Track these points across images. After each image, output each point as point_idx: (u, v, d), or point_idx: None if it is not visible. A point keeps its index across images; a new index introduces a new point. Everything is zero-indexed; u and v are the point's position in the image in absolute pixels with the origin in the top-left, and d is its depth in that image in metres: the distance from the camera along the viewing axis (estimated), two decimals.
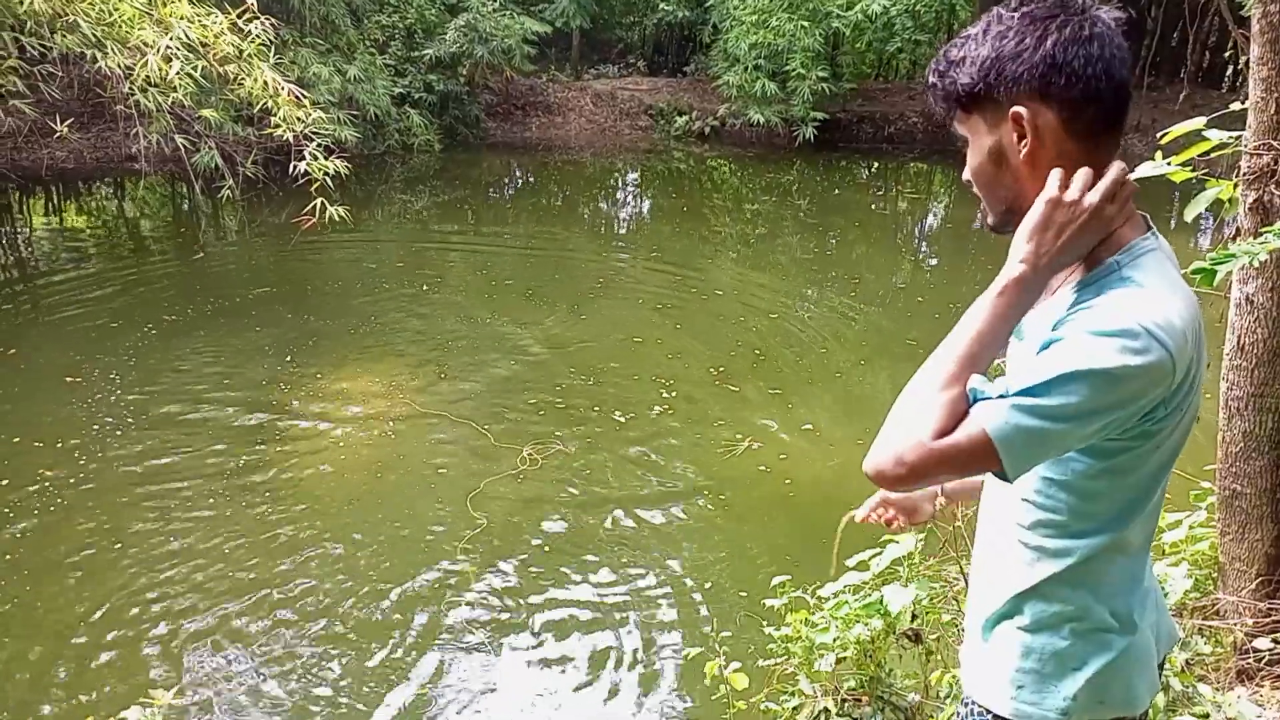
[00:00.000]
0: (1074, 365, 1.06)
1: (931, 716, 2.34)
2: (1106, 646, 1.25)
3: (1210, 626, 2.72)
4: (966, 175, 1.29)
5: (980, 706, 1.34)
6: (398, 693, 3.53)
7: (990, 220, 1.30)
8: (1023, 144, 1.18)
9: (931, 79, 1.27)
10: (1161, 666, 1.39)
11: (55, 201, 11.36)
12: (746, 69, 15.62)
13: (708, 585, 4.22)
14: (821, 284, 8.99)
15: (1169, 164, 2.22)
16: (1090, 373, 1.05)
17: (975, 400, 1.11)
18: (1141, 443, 1.15)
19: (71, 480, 4.81)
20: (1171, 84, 17.28)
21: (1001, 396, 1.09)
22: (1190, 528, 2.94)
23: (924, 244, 11.74)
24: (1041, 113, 1.15)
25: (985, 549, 1.37)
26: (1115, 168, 1.17)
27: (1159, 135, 2.28)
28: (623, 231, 11.62)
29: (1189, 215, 2.25)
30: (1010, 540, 1.29)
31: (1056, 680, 1.26)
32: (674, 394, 6.17)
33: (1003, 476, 1.11)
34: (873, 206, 13.55)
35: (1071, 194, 1.15)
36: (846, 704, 2.42)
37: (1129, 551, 1.25)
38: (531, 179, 14.54)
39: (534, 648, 3.80)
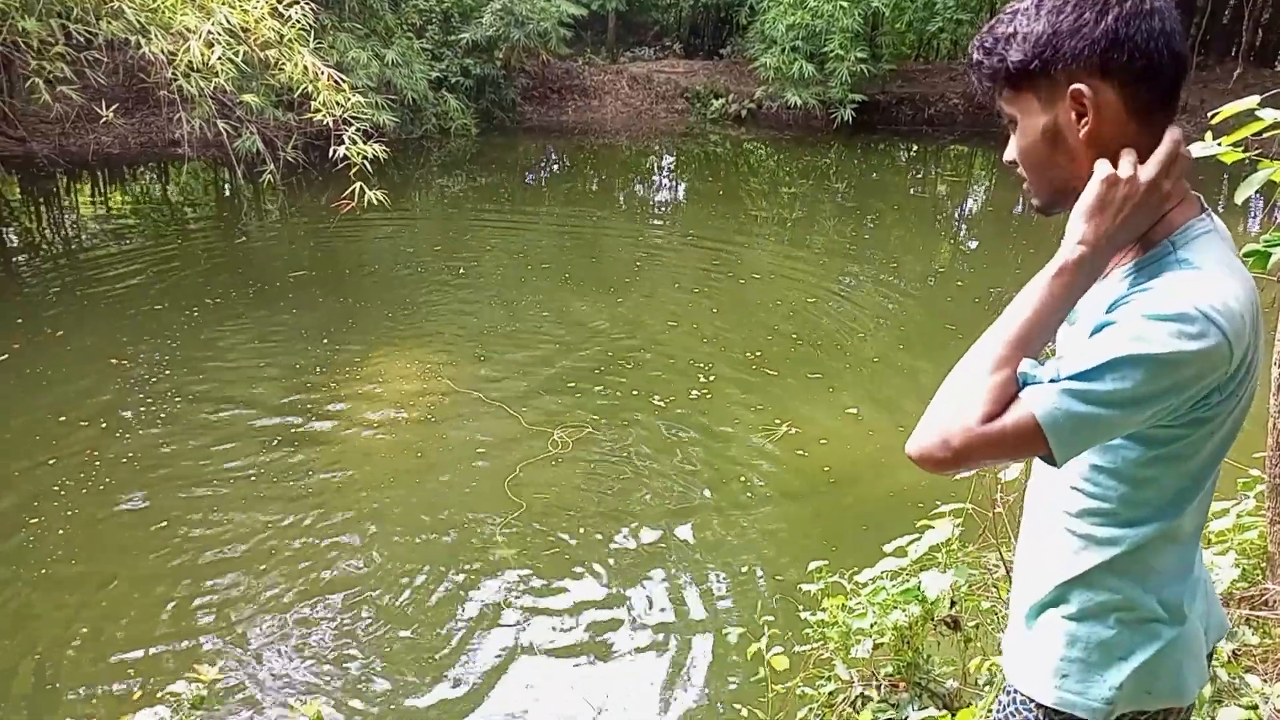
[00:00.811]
0: (1127, 350, 1.03)
1: (970, 704, 2.32)
2: (1154, 636, 1.23)
3: (1259, 617, 2.66)
4: (1010, 156, 1.25)
5: (1023, 695, 1.32)
6: (435, 672, 3.58)
7: (1037, 202, 1.25)
8: (1083, 123, 1.14)
9: (976, 56, 1.22)
10: (1210, 657, 1.36)
11: (101, 186, 11.57)
12: (784, 50, 15.45)
13: (743, 570, 4.22)
14: (859, 268, 8.90)
15: (1219, 145, 2.16)
16: (1144, 358, 1.03)
17: (1025, 384, 1.09)
18: (1194, 429, 1.13)
19: (115, 459, 4.92)
20: (1222, 63, 16.84)
21: (1052, 381, 1.07)
22: (1238, 516, 2.88)
23: (964, 228, 11.58)
24: (1102, 90, 1.12)
25: (1031, 536, 1.35)
26: (1169, 138, 1.13)
27: (1209, 115, 2.21)
28: (659, 215, 11.59)
29: (1239, 198, 2.18)
30: (1057, 527, 1.27)
31: (1102, 670, 1.24)
32: (711, 378, 6.15)
33: (1050, 461, 1.09)
34: (911, 190, 13.37)
35: (1126, 170, 1.12)
36: (883, 690, 2.41)
37: (1179, 540, 1.23)
38: (567, 163, 14.54)
39: (570, 629, 3.82)
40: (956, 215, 12.13)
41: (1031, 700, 1.30)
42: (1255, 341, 1.12)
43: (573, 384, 6.03)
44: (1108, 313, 1.10)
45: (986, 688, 2.37)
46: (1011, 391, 1.09)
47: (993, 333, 1.13)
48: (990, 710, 2.06)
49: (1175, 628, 1.24)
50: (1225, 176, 9.31)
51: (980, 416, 1.08)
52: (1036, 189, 1.24)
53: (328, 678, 3.52)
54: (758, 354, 6.57)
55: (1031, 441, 1.07)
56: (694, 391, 5.94)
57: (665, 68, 18.31)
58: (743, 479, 4.96)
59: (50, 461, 4.86)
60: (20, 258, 8.71)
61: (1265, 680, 2.38)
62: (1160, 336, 1.03)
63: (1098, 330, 1.08)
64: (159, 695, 1.97)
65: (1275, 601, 2.67)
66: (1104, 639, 1.24)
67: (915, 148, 16.15)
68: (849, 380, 6.21)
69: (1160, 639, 1.23)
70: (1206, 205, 1.19)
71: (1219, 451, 1.18)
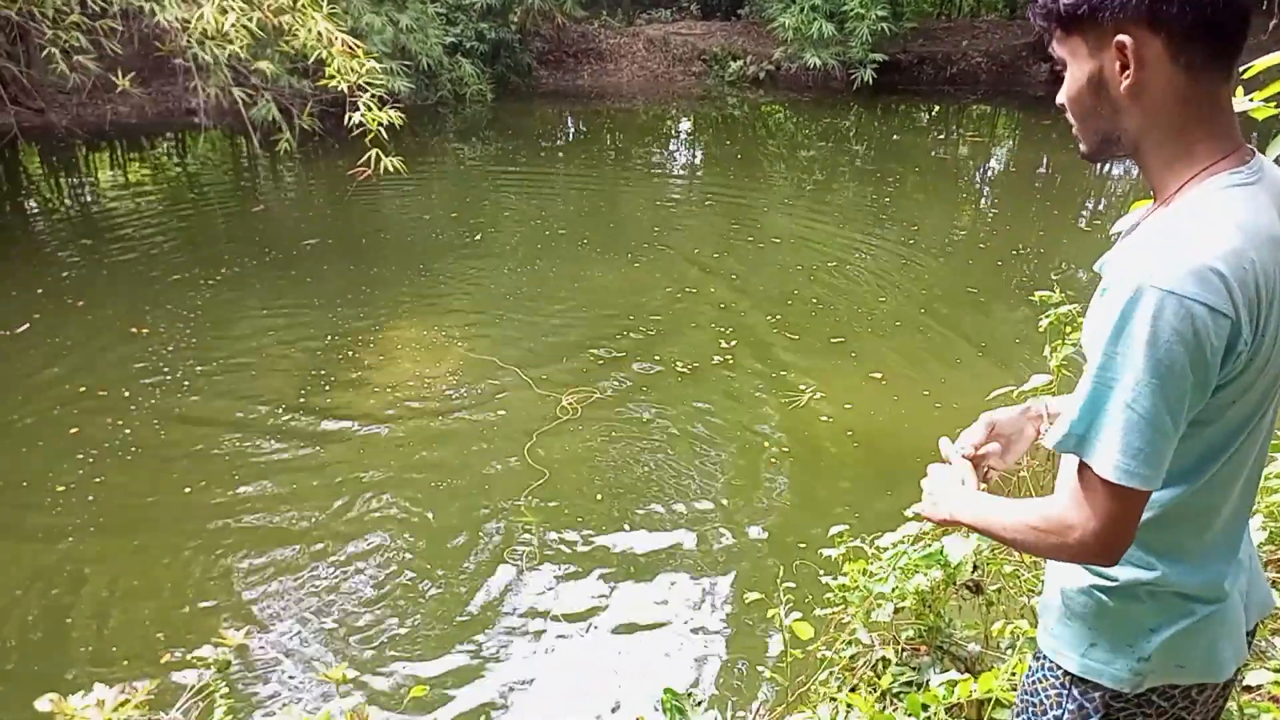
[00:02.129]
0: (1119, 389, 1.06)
1: (992, 667, 2.31)
2: (1187, 612, 1.21)
3: None
4: (1061, 99, 1.22)
5: (1051, 662, 1.31)
6: (460, 639, 3.61)
7: (1084, 148, 1.23)
8: (1125, 75, 1.10)
9: None
10: (1252, 634, 1.33)
11: (119, 156, 11.59)
12: (802, 10, 15.20)
13: (765, 535, 4.22)
14: (880, 231, 8.80)
15: (1251, 100, 2.10)
16: (1140, 383, 1.04)
17: (1064, 446, 1.12)
18: (1213, 396, 1.09)
19: (138, 428, 4.96)
20: (1256, 16, 16.40)
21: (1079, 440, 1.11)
22: (1266, 478, 2.84)
23: (986, 189, 11.41)
24: (1149, 42, 1.07)
25: None
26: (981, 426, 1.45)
27: (1241, 70, 2.15)
28: (676, 180, 11.49)
29: (1270, 155, 2.12)
30: None
31: (1130, 641, 1.22)
32: (734, 342, 6.12)
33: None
34: (933, 151, 13.17)
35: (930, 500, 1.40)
36: (905, 653, 2.41)
37: (1219, 515, 1.19)
38: (584, 127, 14.42)
39: (591, 595, 3.84)
40: (978, 177, 11.95)
41: (1059, 668, 1.30)
42: (1266, 306, 1.06)
43: (594, 350, 6.01)
44: (1101, 293, 1.10)
45: (1009, 651, 2.35)
46: (1037, 515, 1.17)
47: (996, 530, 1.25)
48: (1013, 674, 2.05)
49: (1212, 604, 1.21)
50: (1255, 134, 9.09)
51: (1066, 535, 1.14)
52: (1082, 136, 1.21)
53: (352, 642, 3.56)
54: (779, 318, 6.52)
55: (1128, 496, 1.09)
56: (716, 356, 5.92)
57: (682, 29, 18.07)
58: (765, 443, 4.95)
59: (73, 431, 4.92)
60: (40, 227, 8.76)
61: None
62: (1143, 352, 1.03)
63: (1100, 295, 1.10)
64: (187, 659, 1.99)
65: None
66: (1135, 611, 1.22)
67: (937, 108, 15.89)
68: (871, 344, 6.16)
69: (1194, 614, 1.21)
70: (1258, 157, 1.13)
71: (1250, 417, 1.14)
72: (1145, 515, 1.16)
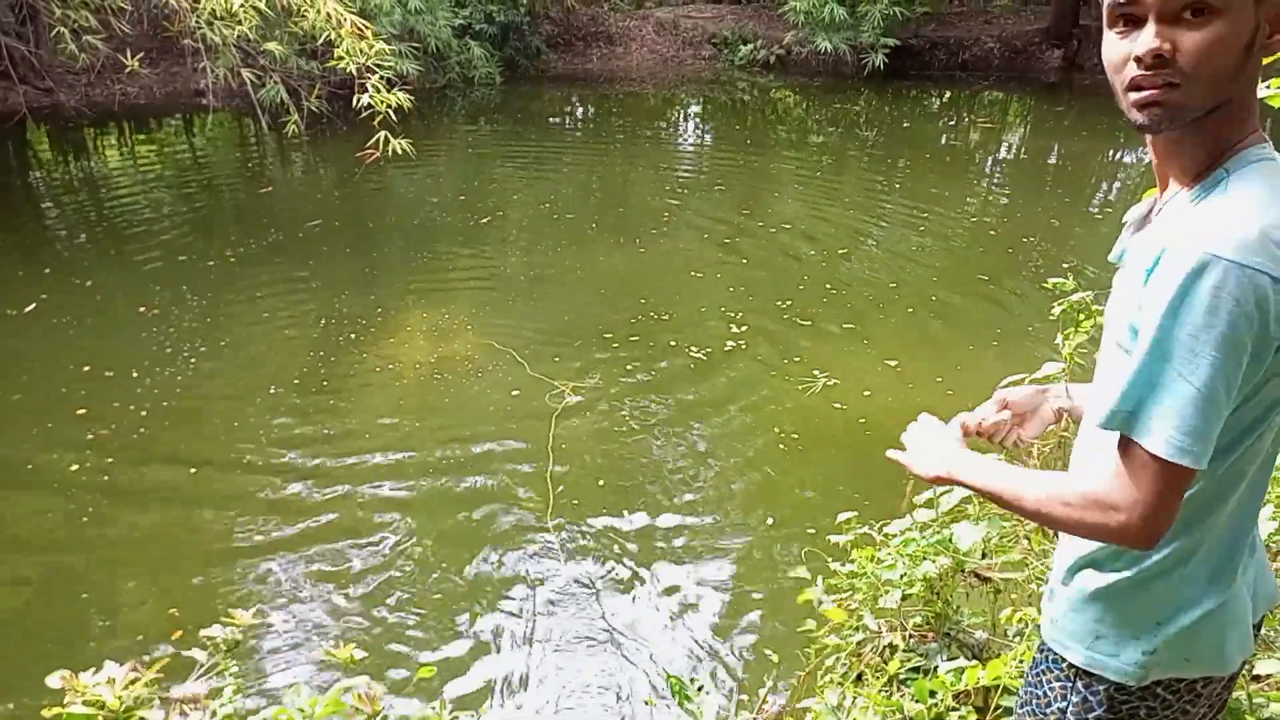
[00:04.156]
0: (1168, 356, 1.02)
1: (999, 654, 2.31)
2: (1194, 603, 1.19)
3: None
4: (1165, 46, 1.04)
5: (1056, 654, 1.30)
6: (469, 619, 3.62)
7: (1162, 111, 1.07)
8: (1274, 40, 1.06)
9: None
10: (1259, 627, 1.32)
11: (127, 137, 11.59)
12: None
13: (773, 521, 4.22)
14: (891, 217, 8.75)
15: (1266, 87, 2.08)
16: (1186, 347, 1.01)
17: (1111, 424, 1.08)
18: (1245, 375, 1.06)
19: (146, 409, 4.98)
20: None
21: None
22: (1276, 467, 2.82)
23: (997, 176, 11.33)
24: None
25: None
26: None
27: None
28: (685, 164, 11.44)
29: None
30: None
31: (1137, 634, 1.21)
32: (745, 328, 6.10)
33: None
34: (944, 138, 13.09)
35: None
36: (912, 640, 2.41)
37: (1227, 505, 1.18)
38: (592, 111, 14.36)
39: (599, 578, 3.85)
40: (990, 163, 11.87)
41: (1064, 659, 1.29)
42: None
43: (605, 335, 6.00)
44: (1148, 273, 1.06)
45: (1016, 639, 2.35)
46: (1068, 491, 1.12)
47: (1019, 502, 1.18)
48: (1020, 661, 2.05)
49: (1219, 596, 1.20)
50: (1269, 121, 9.01)
51: (1113, 509, 1.08)
52: (1187, 97, 1.05)
53: (360, 623, 3.58)
54: (790, 304, 6.50)
55: (1174, 472, 1.05)
56: (729, 342, 5.90)
57: (692, 12, 17.95)
58: (777, 430, 4.94)
59: (80, 411, 4.93)
60: (48, 207, 8.77)
61: None
62: (1197, 313, 1.00)
63: (1149, 274, 1.05)
64: (197, 638, 2.00)
65: None
66: (1142, 602, 1.21)
67: (948, 94, 15.77)
68: (884, 331, 6.14)
69: (1200, 606, 1.19)
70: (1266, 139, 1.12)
71: (1276, 403, 1.11)
72: None
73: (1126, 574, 1.21)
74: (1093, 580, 1.25)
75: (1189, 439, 1.02)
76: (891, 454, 1.42)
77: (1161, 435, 1.03)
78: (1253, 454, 1.15)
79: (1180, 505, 1.07)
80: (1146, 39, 1.04)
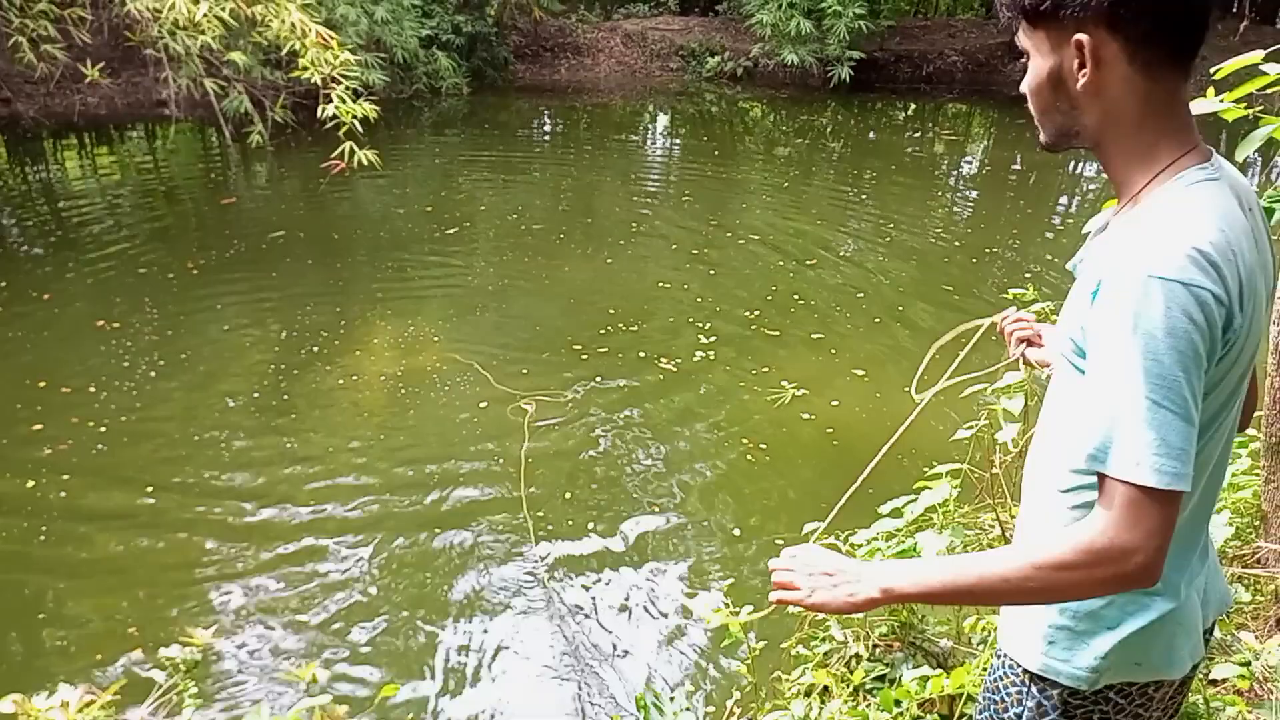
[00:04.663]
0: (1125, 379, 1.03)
1: (964, 662, 2.33)
2: (1145, 608, 1.21)
3: (1251, 575, 2.68)
4: (1024, 88, 1.23)
5: (1011, 660, 1.32)
6: (431, 636, 3.59)
7: (1042, 138, 1.24)
8: (1082, 73, 1.11)
9: None
10: (1210, 631, 1.35)
11: (88, 148, 11.41)
12: (780, 7, 15.23)
13: (742, 533, 4.22)
14: (857, 228, 8.84)
15: (1222, 101, 2.12)
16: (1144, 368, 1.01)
17: (1094, 467, 1.06)
18: None
19: (103, 424, 4.88)
20: (1224, 19, 16.63)
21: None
22: (1233, 475, 2.88)
23: (961, 187, 11.49)
24: (1106, 43, 1.08)
25: (1029, 503, 1.34)
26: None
27: (1212, 70, 2.17)
28: (653, 176, 11.48)
29: (1239, 156, 2.15)
30: (1050, 492, 1.26)
31: (1089, 639, 1.23)
32: (714, 339, 6.12)
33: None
34: (909, 149, 13.25)
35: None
36: (878, 649, 2.42)
37: (1181, 518, 1.18)
38: (561, 122, 14.37)
39: (563, 593, 3.83)
40: (954, 174, 12.04)
41: (1019, 665, 1.30)
42: (1248, 296, 1.06)
43: (576, 346, 5.99)
44: (1093, 297, 1.08)
45: (980, 646, 2.37)
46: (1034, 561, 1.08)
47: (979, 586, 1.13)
48: (984, 669, 2.07)
49: (1169, 601, 1.21)
50: (1224, 134, 9.21)
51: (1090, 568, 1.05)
52: (1041, 127, 1.22)
53: (323, 641, 3.53)
54: (758, 314, 6.53)
55: (1161, 499, 1.03)
56: (697, 353, 5.92)
57: (660, 25, 18.05)
58: (747, 440, 4.95)
59: (36, 428, 4.83)
60: (6, 220, 8.59)
61: (1258, 637, 2.39)
62: (1145, 332, 1.01)
63: (1094, 297, 1.07)
64: (155, 658, 1.96)
65: (1268, 559, 2.68)
66: (1092, 608, 1.22)
67: (913, 106, 15.98)
68: (852, 341, 6.19)
69: (1150, 612, 1.21)
70: (1214, 154, 1.15)
71: (1219, 412, 1.14)
72: None
73: None
74: None
75: (1177, 463, 1.01)
76: (779, 596, 1.27)
77: (1150, 467, 1.01)
78: (1201, 463, 1.16)
79: (1170, 531, 1.04)
80: (1023, 83, 1.22)
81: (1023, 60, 1.21)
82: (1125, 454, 1.02)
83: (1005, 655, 1.33)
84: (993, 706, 1.36)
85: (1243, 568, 2.74)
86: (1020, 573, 1.08)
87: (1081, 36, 1.08)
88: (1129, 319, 1.01)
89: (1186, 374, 1.00)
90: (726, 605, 2.07)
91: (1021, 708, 1.30)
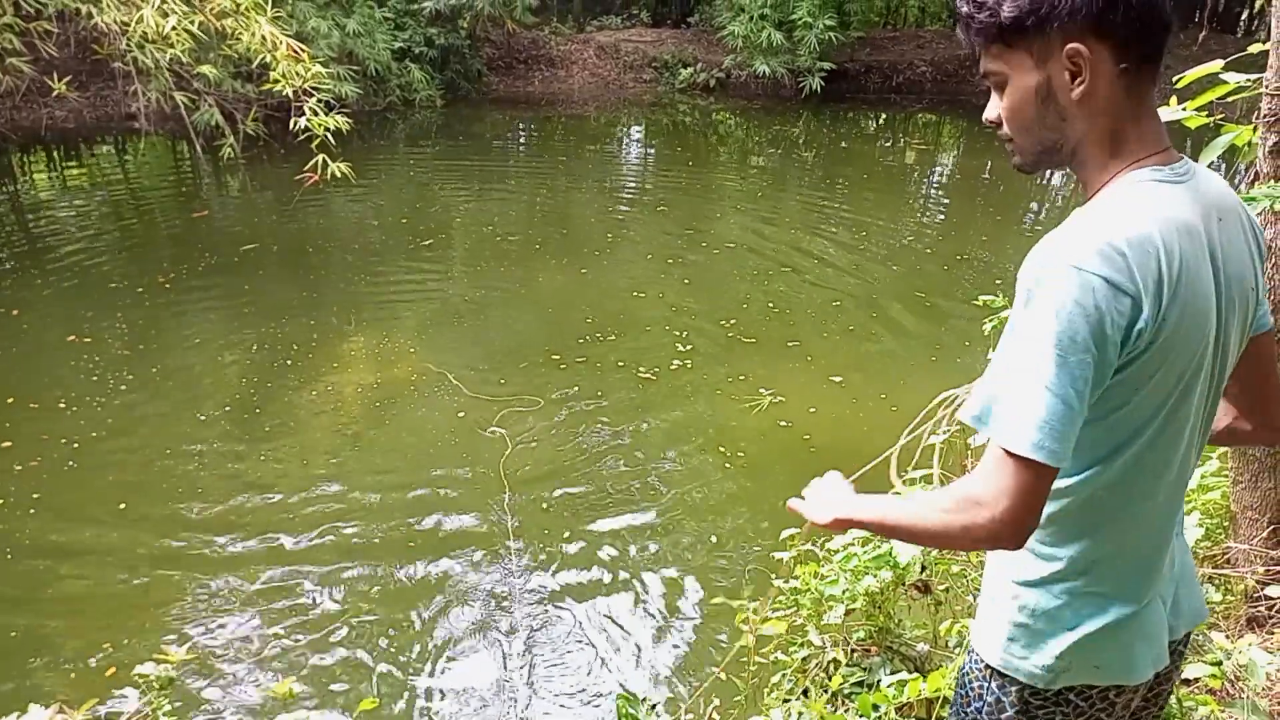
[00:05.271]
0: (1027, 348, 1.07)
1: (941, 666, 2.34)
2: (1101, 611, 1.23)
3: (1221, 574, 2.72)
4: (993, 114, 1.22)
5: (977, 655, 1.34)
6: (408, 649, 3.57)
7: (1019, 160, 1.24)
8: (1078, 83, 1.12)
9: (965, 9, 1.17)
10: (1184, 642, 1.36)
11: (56, 161, 11.28)
12: (752, 18, 15.35)
13: (718, 540, 4.23)
14: (830, 237, 8.90)
15: (1184, 109, 2.17)
16: (1047, 336, 1.05)
17: (973, 420, 1.12)
18: (1115, 375, 1.10)
19: (74, 440, 4.82)
20: (1185, 29, 16.94)
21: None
22: (1202, 476, 2.92)
23: (932, 196, 11.61)
24: (1098, 49, 1.10)
25: None
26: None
27: (1174, 80, 2.22)
28: (629, 186, 11.50)
29: (1203, 162, 2.19)
30: None
31: (1047, 638, 1.25)
32: (690, 347, 6.14)
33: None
34: (880, 158, 13.37)
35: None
36: (855, 654, 2.43)
37: (1131, 515, 1.21)
38: (535, 134, 14.38)
39: (542, 602, 3.82)
40: (925, 183, 12.16)
41: (982, 659, 1.33)
42: (1170, 295, 1.07)
43: (554, 356, 5.98)
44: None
45: (957, 650, 2.39)
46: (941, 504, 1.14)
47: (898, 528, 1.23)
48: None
49: (1126, 606, 1.23)
50: (1188, 142, 9.38)
51: (975, 512, 1.10)
52: (1022, 148, 1.22)
53: (299, 657, 3.50)
54: (734, 322, 6.56)
55: (1033, 468, 1.07)
56: (675, 361, 5.93)
57: (633, 37, 18.12)
58: (724, 448, 4.96)
59: (5, 445, 4.76)
60: None
61: (1229, 637, 2.42)
62: (1047, 311, 1.05)
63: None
64: (130, 676, 1.94)
65: (1237, 559, 2.72)
66: (1050, 608, 1.24)
67: (884, 116, 16.14)
68: (827, 348, 6.23)
69: (1107, 614, 1.23)
70: (1185, 160, 1.17)
71: (1158, 409, 1.14)
72: (1059, 502, 1.18)
73: (1032, 576, 1.25)
74: (1009, 585, 1.29)
75: (1040, 434, 1.05)
76: (793, 504, 1.44)
77: (1015, 432, 1.06)
78: (1152, 463, 1.18)
79: (1042, 504, 1.09)
80: (988, 109, 1.23)
81: (984, 83, 1.21)
82: (997, 417, 1.08)
83: (974, 651, 1.36)
84: (960, 699, 1.39)
85: (1213, 568, 2.78)
86: (925, 514, 1.16)
87: (1076, 46, 1.10)
88: (1023, 296, 1.08)
89: (1063, 355, 1.04)
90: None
91: (982, 702, 1.33)
